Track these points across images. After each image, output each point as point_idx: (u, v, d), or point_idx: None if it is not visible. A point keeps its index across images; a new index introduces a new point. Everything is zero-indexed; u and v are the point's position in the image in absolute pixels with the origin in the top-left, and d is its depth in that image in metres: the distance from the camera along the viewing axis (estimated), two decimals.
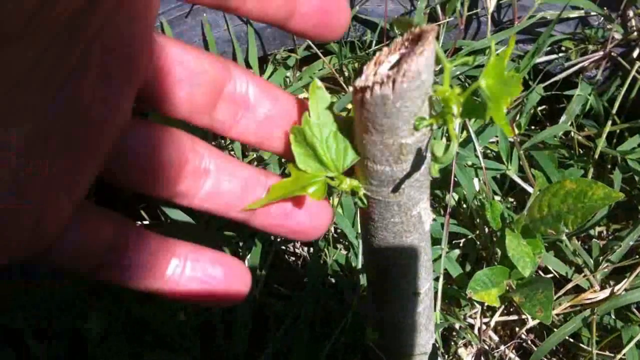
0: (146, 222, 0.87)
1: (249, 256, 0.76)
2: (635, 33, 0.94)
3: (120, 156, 0.31)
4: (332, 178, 0.35)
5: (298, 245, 0.87)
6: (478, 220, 0.81)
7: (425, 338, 0.52)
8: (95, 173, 0.29)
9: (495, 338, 0.78)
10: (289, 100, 0.35)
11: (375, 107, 0.29)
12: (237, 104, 0.34)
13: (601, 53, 0.96)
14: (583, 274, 0.76)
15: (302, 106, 0.35)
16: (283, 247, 0.87)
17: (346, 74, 1.06)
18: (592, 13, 0.97)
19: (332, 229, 0.82)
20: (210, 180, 0.34)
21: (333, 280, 0.75)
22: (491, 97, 0.28)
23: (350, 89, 0.30)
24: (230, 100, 0.33)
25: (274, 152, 0.37)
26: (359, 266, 0.74)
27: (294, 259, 0.86)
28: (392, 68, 0.30)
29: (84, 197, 0.30)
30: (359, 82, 0.29)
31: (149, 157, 0.32)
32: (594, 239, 0.82)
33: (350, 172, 0.35)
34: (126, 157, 0.31)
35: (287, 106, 0.35)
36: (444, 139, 0.30)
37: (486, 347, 0.76)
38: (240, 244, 0.78)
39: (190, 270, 0.34)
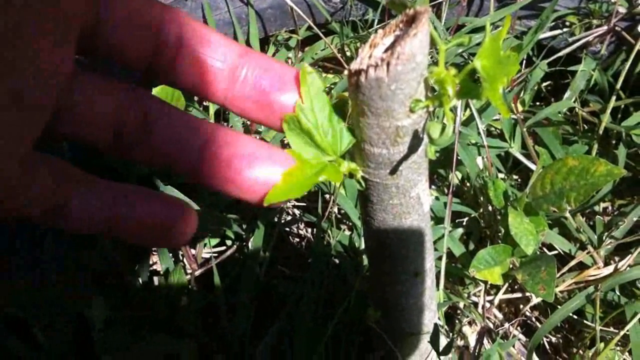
0: None
1: (252, 238, 0.76)
2: None
3: (65, 108, 0.31)
4: (330, 162, 0.35)
5: (302, 226, 0.88)
6: (481, 198, 0.81)
7: (428, 317, 0.52)
8: (41, 127, 0.29)
9: (500, 316, 0.79)
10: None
11: (370, 90, 0.29)
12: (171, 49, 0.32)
13: (605, 27, 0.95)
14: (587, 251, 0.76)
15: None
16: (287, 229, 0.87)
17: (348, 53, 1.06)
18: None
19: (336, 210, 0.82)
20: (155, 129, 0.33)
21: (337, 261, 0.75)
22: (487, 77, 0.28)
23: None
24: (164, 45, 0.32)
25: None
26: (362, 247, 0.74)
27: (297, 240, 0.87)
28: (386, 51, 0.29)
29: (30, 151, 0.30)
30: (354, 66, 0.29)
31: (90, 108, 0.32)
32: (597, 216, 0.82)
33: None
34: (72, 109, 0.31)
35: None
36: (445, 120, 0.30)
37: (490, 324, 0.77)
38: (244, 225, 0.79)
39: (132, 211, 0.34)
